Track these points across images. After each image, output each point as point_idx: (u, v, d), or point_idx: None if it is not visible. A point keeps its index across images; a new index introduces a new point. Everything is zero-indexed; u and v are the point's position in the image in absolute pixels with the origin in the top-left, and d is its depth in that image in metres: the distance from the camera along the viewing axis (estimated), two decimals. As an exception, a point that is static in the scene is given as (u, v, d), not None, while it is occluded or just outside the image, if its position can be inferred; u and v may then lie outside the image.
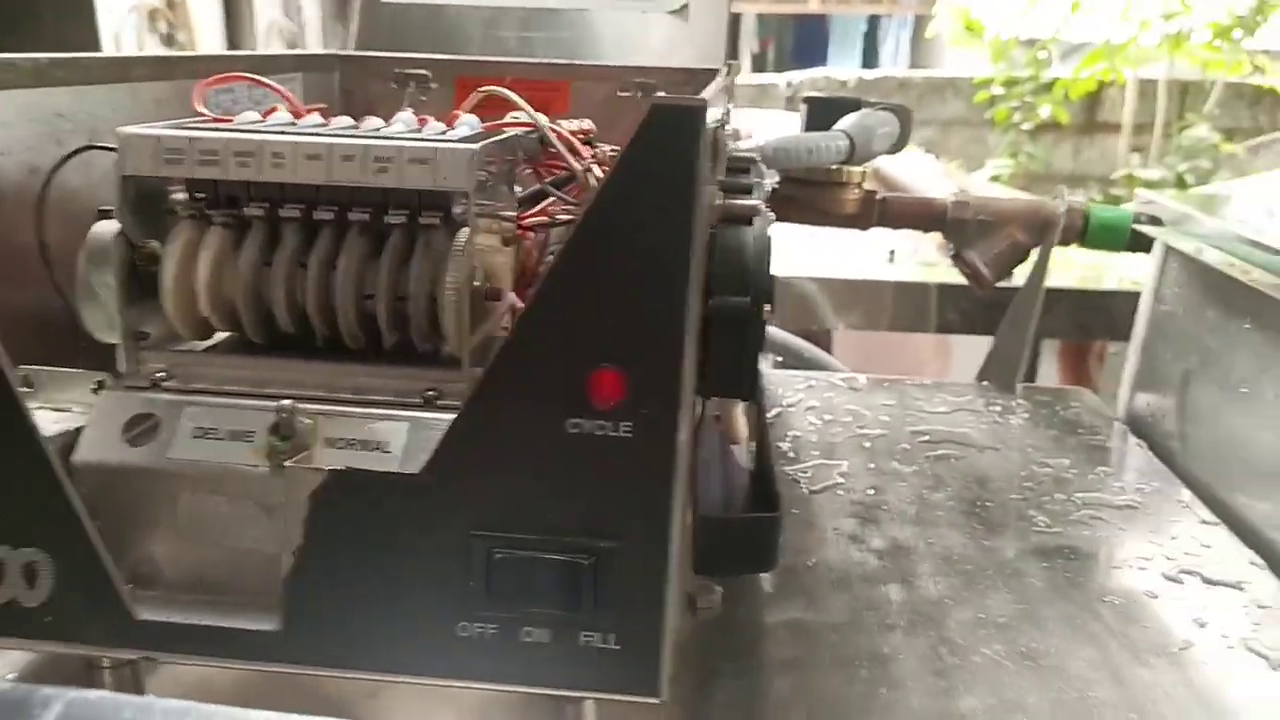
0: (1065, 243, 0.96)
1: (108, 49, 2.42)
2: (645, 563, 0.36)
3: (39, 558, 0.38)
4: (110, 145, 0.44)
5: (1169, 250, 0.92)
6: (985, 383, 0.98)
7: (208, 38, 2.85)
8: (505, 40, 0.92)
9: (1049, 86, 6.02)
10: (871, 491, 0.73)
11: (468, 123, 0.47)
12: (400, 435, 0.41)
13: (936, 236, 1.01)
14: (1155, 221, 0.94)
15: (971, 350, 1.24)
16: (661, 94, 0.35)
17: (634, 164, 0.34)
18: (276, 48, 2.90)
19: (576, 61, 0.84)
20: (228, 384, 0.43)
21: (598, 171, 0.49)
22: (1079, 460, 0.79)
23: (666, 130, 0.34)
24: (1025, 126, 5.15)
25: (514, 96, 0.49)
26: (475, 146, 0.42)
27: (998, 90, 5.06)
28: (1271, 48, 5.12)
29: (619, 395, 0.35)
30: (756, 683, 0.50)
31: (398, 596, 0.37)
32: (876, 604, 0.57)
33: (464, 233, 0.42)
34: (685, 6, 0.92)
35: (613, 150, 0.52)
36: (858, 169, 0.92)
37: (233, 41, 2.98)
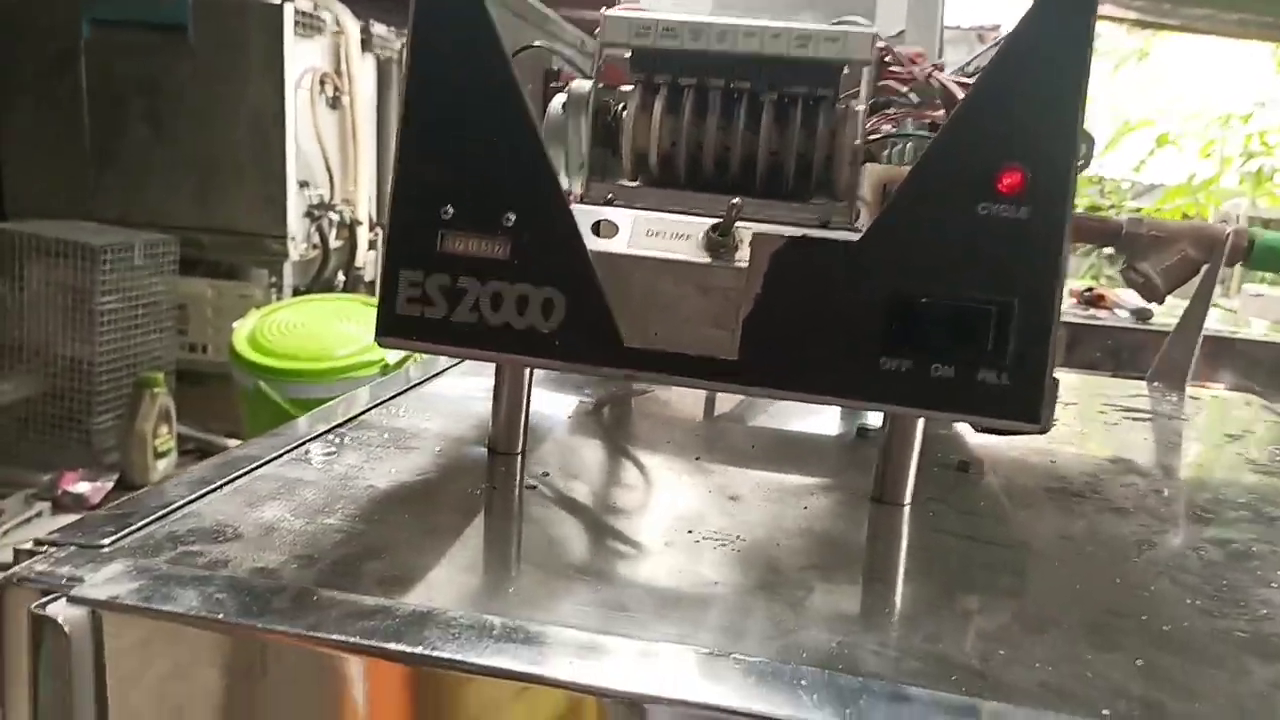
0: (1231, 263, 1.07)
1: (289, 102, 2.69)
2: (1036, 316, 0.47)
3: (554, 295, 0.50)
4: (542, 45, 0.58)
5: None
6: (1157, 383, 1.06)
7: (364, 101, 3.13)
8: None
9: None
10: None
11: (832, 41, 0.60)
12: (807, 243, 0.52)
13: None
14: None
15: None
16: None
17: (1040, 14, 0.47)
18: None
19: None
20: (660, 205, 0.56)
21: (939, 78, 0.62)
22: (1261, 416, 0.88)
23: (1073, -8, 0.46)
24: (1107, 251, 5.28)
25: (870, 24, 0.63)
26: (875, 29, 0.55)
27: (1080, 215, 5.22)
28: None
29: (1021, 187, 0.47)
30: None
31: (833, 336, 0.48)
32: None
33: (860, 100, 0.55)
34: (902, 33, 1.07)
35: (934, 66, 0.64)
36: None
37: (381, 102, 3.27)
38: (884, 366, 0.48)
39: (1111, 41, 6.55)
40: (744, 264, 0.51)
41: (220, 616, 0.37)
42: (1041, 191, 0.47)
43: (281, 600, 0.39)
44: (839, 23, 0.63)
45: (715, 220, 0.53)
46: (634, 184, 0.58)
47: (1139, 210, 5.97)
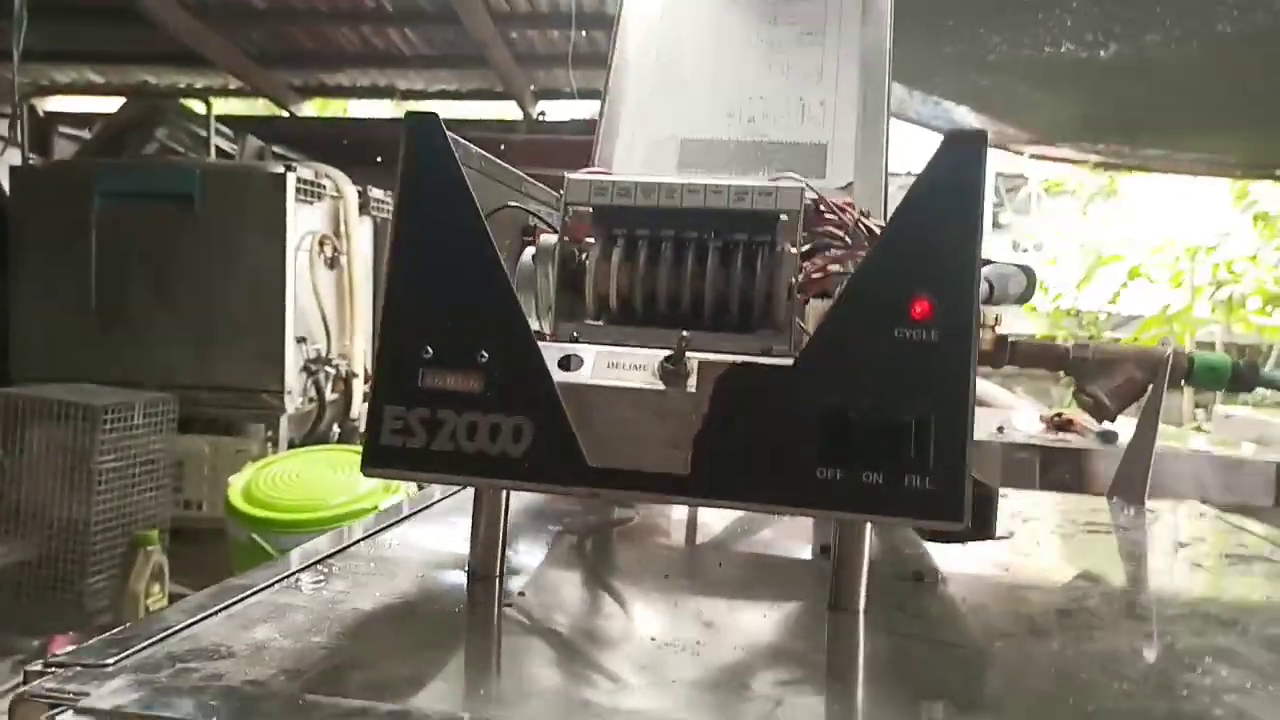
0: (1174, 381, 1.13)
1: (289, 263, 2.82)
2: (951, 426, 0.52)
3: (524, 423, 0.56)
4: (515, 206, 0.66)
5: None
6: (1115, 498, 1.11)
7: (361, 260, 3.27)
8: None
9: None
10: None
11: (770, 194, 0.68)
12: (751, 370, 0.58)
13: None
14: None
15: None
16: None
17: (937, 169, 0.54)
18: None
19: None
20: (620, 341, 0.62)
21: (868, 223, 0.69)
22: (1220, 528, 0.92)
23: (961, 143, 0.54)
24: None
25: (801, 180, 0.71)
26: (803, 185, 0.63)
27: (1061, 344, 5.35)
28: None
29: (930, 314, 0.53)
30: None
31: (774, 449, 0.54)
32: (1070, 586, 0.70)
33: (793, 246, 0.62)
34: (850, 184, 1.17)
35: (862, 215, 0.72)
36: (993, 312, 1.12)
37: (378, 261, 3.42)
38: (820, 476, 0.53)
39: (1080, 180, 6.88)
40: (694, 390, 0.57)
41: None
42: (949, 316, 0.53)
43: (271, 705, 0.43)
44: (776, 178, 0.72)
45: (668, 352, 0.59)
46: (597, 323, 0.65)
47: (1117, 340, 6.13)
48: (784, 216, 0.63)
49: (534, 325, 0.67)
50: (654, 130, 1.14)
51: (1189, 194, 6.28)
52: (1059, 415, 1.75)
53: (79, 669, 0.47)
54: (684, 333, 0.58)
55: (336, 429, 3.24)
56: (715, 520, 0.83)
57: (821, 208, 0.69)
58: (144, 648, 0.49)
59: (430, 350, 0.57)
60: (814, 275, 0.67)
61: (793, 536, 0.82)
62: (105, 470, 2.59)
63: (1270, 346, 6.24)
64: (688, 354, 0.59)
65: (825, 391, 0.54)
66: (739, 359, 0.55)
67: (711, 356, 0.57)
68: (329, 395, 3.13)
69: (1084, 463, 1.52)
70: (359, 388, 3.31)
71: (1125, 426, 1.47)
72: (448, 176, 0.58)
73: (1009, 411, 2.30)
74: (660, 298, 0.64)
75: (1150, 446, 1.10)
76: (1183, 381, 1.13)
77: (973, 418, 0.53)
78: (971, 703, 0.50)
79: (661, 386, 0.58)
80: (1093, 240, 6.82)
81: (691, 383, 0.58)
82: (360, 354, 3.31)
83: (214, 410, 2.90)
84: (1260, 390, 1.28)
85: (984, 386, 2.56)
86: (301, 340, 2.99)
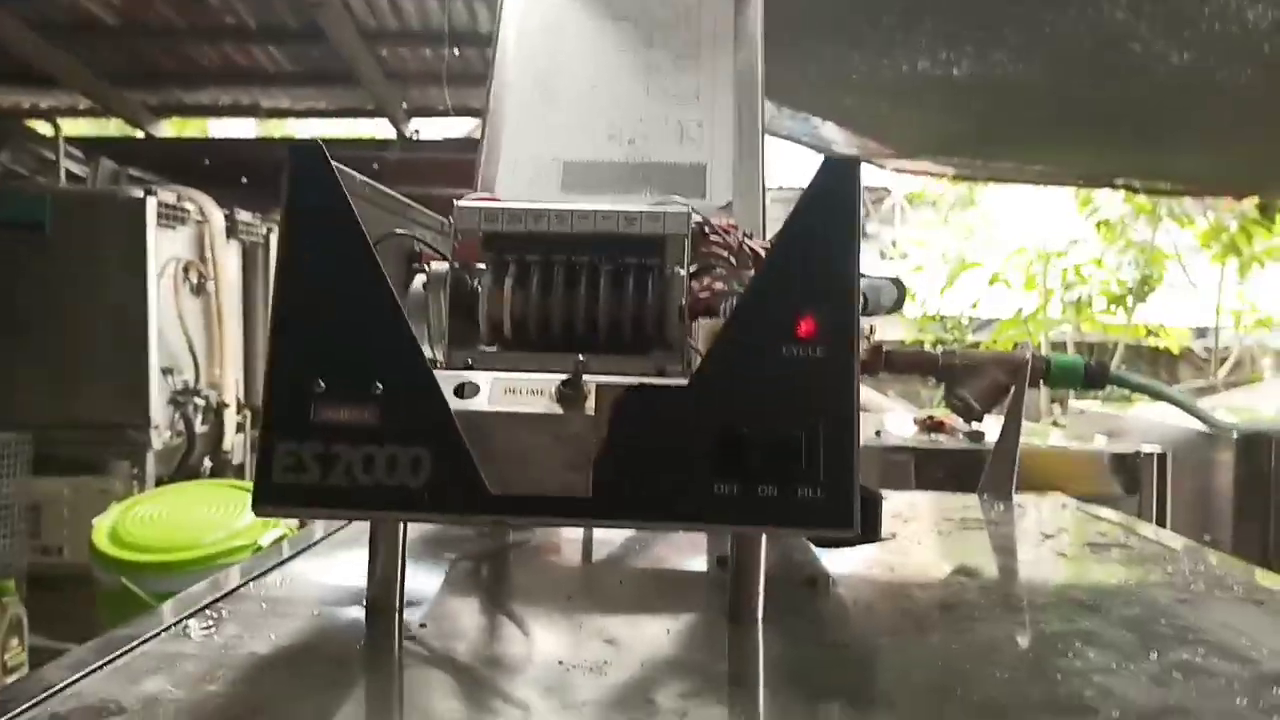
0: (1033, 383, 1.21)
1: (151, 292, 2.69)
2: (839, 439, 0.55)
3: (422, 453, 0.55)
4: (401, 233, 0.66)
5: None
6: (985, 495, 1.17)
7: (229, 286, 3.15)
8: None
9: (974, 347, 6.67)
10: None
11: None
12: (646, 391, 0.60)
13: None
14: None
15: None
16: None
17: (816, 193, 0.57)
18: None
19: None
20: (514, 367, 0.62)
21: (752, 245, 0.72)
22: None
23: (837, 170, 0.57)
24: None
25: (686, 203, 0.73)
26: (689, 209, 0.65)
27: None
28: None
29: (815, 332, 0.56)
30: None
31: (671, 468, 0.55)
32: (951, 582, 0.74)
33: (680, 268, 0.64)
34: (730, 204, 1.20)
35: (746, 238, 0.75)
36: (867, 322, 1.17)
37: (247, 287, 3.30)
38: (717, 491, 0.54)
39: (939, 192, 7.24)
40: (591, 413, 0.58)
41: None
42: (832, 334, 0.56)
43: (171, 759, 0.41)
44: (661, 201, 0.73)
45: (565, 376, 0.60)
46: (491, 349, 0.65)
47: (978, 344, 6.46)
48: (671, 240, 0.65)
49: (427, 354, 0.67)
50: (537, 152, 1.14)
51: (1040, 203, 6.69)
52: (930, 418, 1.84)
53: (-49, 739, 0.44)
54: (580, 356, 0.59)
55: (208, 463, 3.10)
56: (612, 538, 0.84)
57: (707, 230, 0.71)
58: (24, 710, 0.47)
59: (322, 383, 0.56)
60: (701, 295, 0.69)
61: (688, 551, 0.84)
62: (-49, 519, 2.41)
63: (1115, 344, 6.70)
64: (585, 378, 0.60)
65: (719, 410, 0.55)
66: (634, 381, 0.57)
67: (607, 379, 0.58)
68: (199, 428, 2.99)
69: (955, 462, 1.60)
70: (231, 418, 3.18)
71: (991, 426, 1.57)
72: (334, 208, 0.57)
73: (884, 414, 2.41)
74: (554, 322, 0.64)
75: (1015, 444, 1.17)
76: (1041, 382, 1.21)
77: (858, 429, 0.55)
78: (867, 701, 0.52)
79: (559, 411, 0.59)
80: (953, 248, 7.18)
81: (589, 406, 0.59)
82: (231, 383, 3.18)
83: (73, 448, 2.73)
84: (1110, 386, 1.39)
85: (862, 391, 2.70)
86: (167, 371, 2.85)
